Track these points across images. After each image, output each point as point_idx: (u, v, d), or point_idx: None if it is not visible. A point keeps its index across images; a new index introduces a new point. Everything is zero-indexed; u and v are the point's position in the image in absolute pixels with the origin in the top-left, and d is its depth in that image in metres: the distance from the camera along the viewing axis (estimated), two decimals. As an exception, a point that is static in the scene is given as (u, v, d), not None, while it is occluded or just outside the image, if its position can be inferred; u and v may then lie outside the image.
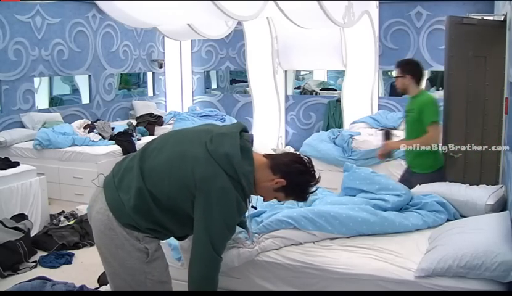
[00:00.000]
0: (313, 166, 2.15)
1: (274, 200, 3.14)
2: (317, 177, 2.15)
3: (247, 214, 2.61)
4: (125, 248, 1.98)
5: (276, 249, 2.65)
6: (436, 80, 8.79)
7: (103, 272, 2.76)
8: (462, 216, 3.05)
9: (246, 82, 8.62)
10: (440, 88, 8.64)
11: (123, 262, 2.00)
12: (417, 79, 3.79)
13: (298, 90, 9.53)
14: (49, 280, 2.04)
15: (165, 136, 2.17)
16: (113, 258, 2.01)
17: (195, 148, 1.97)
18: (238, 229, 2.55)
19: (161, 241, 2.15)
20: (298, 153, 2.19)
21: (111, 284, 2.11)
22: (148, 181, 1.96)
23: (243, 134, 2.07)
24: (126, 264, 2.00)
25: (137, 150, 2.12)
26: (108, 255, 2.02)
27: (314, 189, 2.16)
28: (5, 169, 4.47)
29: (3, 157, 4.82)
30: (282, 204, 3.12)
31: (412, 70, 3.78)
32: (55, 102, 8.24)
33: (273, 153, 2.16)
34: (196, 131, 2.13)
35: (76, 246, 4.18)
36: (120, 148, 5.89)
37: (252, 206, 2.36)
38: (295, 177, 2.07)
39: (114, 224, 1.97)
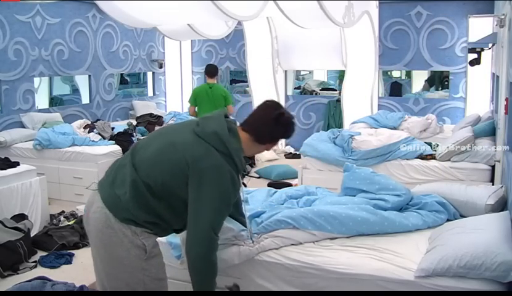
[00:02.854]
0: (288, 113, 2.19)
1: (274, 200, 3.19)
2: (293, 114, 2.24)
3: (247, 215, 2.61)
4: (124, 244, 1.98)
5: (276, 249, 2.65)
6: (434, 80, 8.80)
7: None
8: (462, 216, 3.05)
9: (246, 82, 8.62)
10: (440, 88, 8.67)
11: (122, 260, 2.00)
12: (207, 75, 5.97)
13: (298, 90, 9.53)
14: (49, 280, 2.04)
15: (153, 133, 2.24)
16: (110, 257, 2.02)
17: (183, 135, 2.04)
18: (240, 226, 2.56)
19: (161, 240, 2.15)
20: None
21: (109, 287, 2.09)
22: (141, 172, 1.99)
23: (228, 118, 2.16)
24: (124, 262, 2.00)
25: None
26: (107, 255, 2.03)
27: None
28: (5, 169, 4.47)
29: (3, 157, 4.82)
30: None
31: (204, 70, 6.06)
32: (55, 102, 8.23)
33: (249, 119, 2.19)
34: (182, 123, 2.22)
35: (76, 246, 4.18)
36: (120, 148, 5.88)
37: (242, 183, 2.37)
38: (281, 135, 2.19)
39: (112, 221, 1.98)
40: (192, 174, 1.94)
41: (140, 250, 2.00)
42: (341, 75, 8.96)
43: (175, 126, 2.22)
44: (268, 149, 2.23)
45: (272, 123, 2.12)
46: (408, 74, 9.20)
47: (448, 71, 7.58)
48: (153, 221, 2.02)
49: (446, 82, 8.10)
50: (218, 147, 1.97)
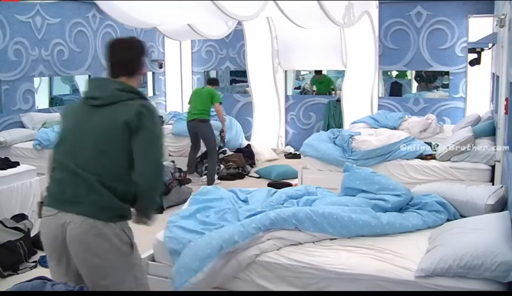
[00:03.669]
0: (131, 37, 2.33)
1: (274, 200, 3.19)
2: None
3: (246, 215, 2.61)
4: (114, 245, 2.01)
5: (276, 249, 2.66)
6: (422, 78, 8.84)
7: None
8: (462, 216, 3.06)
9: (246, 82, 8.62)
10: (440, 88, 8.68)
11: (113, 263, 2.03)
12: (207, 83, 6.73)
13: (298, 90, 9.53)
14: (49, 280, 2.03)
15: (66, 137, 2.14)
16: (103, 262, 2.02)
17: (96, 116, 2.06)
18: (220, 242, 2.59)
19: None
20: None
21: None
22: (96, 170, 2.01)
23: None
24: (116, 264, 2.03)
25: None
26: (101, 264, 2.02)
27: None
28: (5, 169, 4.46)
29: (3, 157, 4.82)
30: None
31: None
32: (55, 102, 8.23)
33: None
34: (73, 113, 2.20)
35: (76, 246, 4.17)
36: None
37: None
38: (142, 54, 2.24)
39: (99, 227, 1.99)
40: (131, 127, 2.01)
41: (127, 246, 2.06)
42: (315, 80, 9.02)
43: (78, 120, 2.12)
44: (142, 74, 2.31)
45: (129, 51, 2.19)
46: (404, 74, 9.26)
47: (443, 71, 7.59)
48: (127, 205, 2.09)
49: (435, 79, 8.14)
50: (127, 97, 2.07)
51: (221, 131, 6.52)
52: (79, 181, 2.01)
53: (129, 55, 2.19)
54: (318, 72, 8.92)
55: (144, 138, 2.04)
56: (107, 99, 2.07)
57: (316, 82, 9.01)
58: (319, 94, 8.75)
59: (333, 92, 9.01)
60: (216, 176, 6.46)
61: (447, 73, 7.65)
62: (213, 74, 10.08)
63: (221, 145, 6.66)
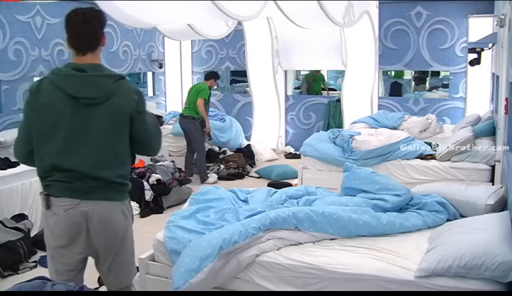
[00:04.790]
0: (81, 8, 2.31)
1: (274, 200, 3.19)
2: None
3: (246, 214, 2.62)
4: (127, 217, 2.21)
5: (276, 249, 2.66)
6: (419, 78, 8.84)
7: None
8: (462, 216, 3.06)
9: (246, 82, 8.62)
10: (440, 88, 8.68)
11: (129, 234, 2.24)
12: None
13: (298, 90, 9.53)
14: (49, 280, 2.03)
15: (51, 135, 2.13)
16: (124, 235, 2.20)
17: (94, 114, 2.08)
18: (218, 242, 2.64)
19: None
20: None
21: (129, 276, 2.31)
22: (111, 166, 2.10)
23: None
24: (129, 234, 2.24)
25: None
26: (122, 237, 2.20)
27: None
28: (5, 169, 4.47)
29: (3, 157, 4.82)
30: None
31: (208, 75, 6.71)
32: (55, 102, 8.21)
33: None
34: (61, 112, 2.15)
35: (76, 246, 4.17)
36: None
37: None
38: (104, 22, 2.28)
39: (120, 206, 2.17)
40: (132, 116, 2.11)
41: (132, 215, 2.28)
42: (311, 74, 9.00)
43: (71, 120, 2.09)
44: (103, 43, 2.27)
45: (90, 24, 2.21)
46: (399, 74, 9.28)
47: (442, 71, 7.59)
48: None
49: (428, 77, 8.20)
50: (119, 85, 2.09)
51: (204, 126, 6.35)
52: (98, 178, 2.09)
53: (91, 27, 2.19)
54: (316, 71, 8.97)
55: (144, 121, 2.17)
56: (104, 97, 2.08)
57: (310, 77, 9.02)
58: (309, 93, 8.80)
59: (323, 91, 9.03)
60: (216, 176, 6.47)
61: (438, 73, 7.66)
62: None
63: (207, 139, 6.53)
